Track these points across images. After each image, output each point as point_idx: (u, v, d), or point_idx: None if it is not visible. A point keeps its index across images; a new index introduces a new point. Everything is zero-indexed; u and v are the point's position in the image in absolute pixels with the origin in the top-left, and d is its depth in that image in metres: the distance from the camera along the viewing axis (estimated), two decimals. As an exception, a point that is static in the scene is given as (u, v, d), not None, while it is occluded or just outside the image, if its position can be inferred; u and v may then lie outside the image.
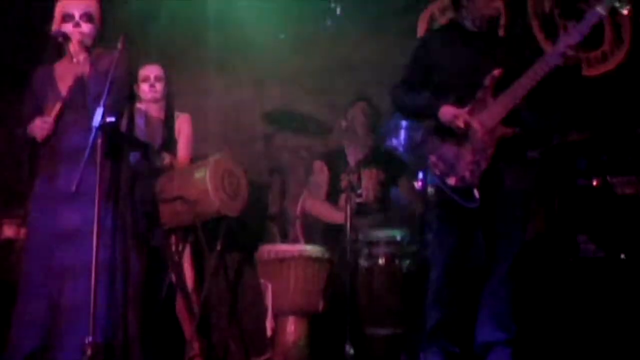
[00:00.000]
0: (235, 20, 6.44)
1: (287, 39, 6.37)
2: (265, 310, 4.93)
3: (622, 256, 4.75)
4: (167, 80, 5.26)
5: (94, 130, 3.72)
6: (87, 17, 4.15)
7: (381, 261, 4.94)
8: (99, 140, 3.73)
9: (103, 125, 3.73)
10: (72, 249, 3.94)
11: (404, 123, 5.82)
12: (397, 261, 4.94)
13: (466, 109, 4.01)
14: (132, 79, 4.77)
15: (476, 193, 3.93)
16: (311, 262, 4.96)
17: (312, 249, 5.02)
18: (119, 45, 3.92)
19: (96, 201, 3.69)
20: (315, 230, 5.51)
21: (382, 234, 5.05)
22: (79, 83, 4.06)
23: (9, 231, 5.28)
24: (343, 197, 5.31)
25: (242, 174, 4.96)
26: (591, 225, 5.18)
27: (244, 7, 6.45)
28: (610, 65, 6.20)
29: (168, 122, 5.14)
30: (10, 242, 5.27)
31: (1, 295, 4.21)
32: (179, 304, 5.01)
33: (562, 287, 4.82)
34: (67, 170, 4.00)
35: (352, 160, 5.47)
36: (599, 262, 4.96)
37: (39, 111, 4.12)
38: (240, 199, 4.90)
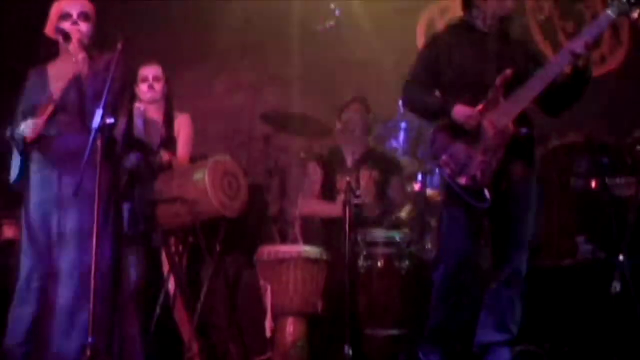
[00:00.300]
0: (235, 21, 6.45)
1: (287, 39, 6.39)
2: (265, 311, 4.93)
3: (621, 257, 4.74)
4: (166, 80, 5.26)
5: (93, 131, 3.72)
6: (85, 16, 4.16)
7: (380, 262, 4.95)
8: (98, 142, 3.73)
9: (102, 127, 3.72)
10: (67, 252, 3.94)
11: (403, 124, 5.83)
12: (396, 262, 4.94)
13: (477, 108, 4.01)
14: (131, 80, 4.79)
15: (487, 193, 3.92)
16: (310, 263, 4.96)
17: (311, 250, 5.02)
18: (119, 46, 3.93)
19: (96, 203, 3.69)
20: (315, 231, 5.51)
21: (381, 234, 5.05)
22: (75, 83, 4.06)
23: (9, 232, 5.29)
24: (340, 198, 5.32)
25: (241, 174, 4.96)
26: (589, 227, 5.19)
27: (244, 8, 6.46)
28: (609, 67, 6.21)
29: (167, 122, 5.14)
30: (10, 242, 5.28)
31: (2, 296, 4.20)
32: (178, 304, 5.01)
33: (561, 289, 4.82)
34: (61, 172, 4.01)
35: (349, 160, 5.47)
36: (598, 264, 4.97)
37: (31, 113, 4.11)
38: (240, 199, 4.89)
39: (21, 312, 3.95)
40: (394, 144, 5.82)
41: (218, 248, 4.88)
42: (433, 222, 5.38)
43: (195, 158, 5.20)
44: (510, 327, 4.03)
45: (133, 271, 4.80)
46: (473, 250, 4.14)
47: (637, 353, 4.39)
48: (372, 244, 5.01)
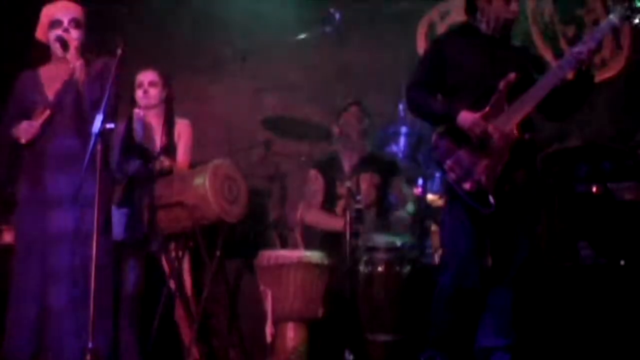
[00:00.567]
0: (235, 26, 6.45)
1: (290, 43, 6.38)
2: (265, 316, 4.91)
3: (622, 262, 4.74)
4: (165, 84, 5.24)
5: (93, 136, 3.72)
6: (76, 22, 4.17)
7: (381, 267, 4.93)
8: (99, 147, 3.73)
9: (102, 132, 3.73)
10: (61, 254, 3.94)
11: (403, 129, 5.82)
12: (397, 267, 4.93)
13: (481, 113, 4.01)
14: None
15: (491, 198, 3.92)
16: (311, 268, 4.95)
17: (311, 255, 5.01)
18: (118, 52, 3.93)
19: (96, 207, 3.70)
20: (315, 236, 5.50)
21: (381, 240, 5.04)
22: (71, 87, 4.07)
23: (8, 237, 5.28)
24: (340, 204, 5.32)
25: (242, 179, 4.96)
26: (591, 232, 5.18)
27: (244, 13, 6.46)
28: (610, 72, 6.21)
29: (167, 127, 5.14)
30: (10, 247, 5.26)
31: (2, 301, 4.20)
32: (178, 309, 5.00)
33: (562, 294, 4.81)
34: (54, 175, 4.02)
35: (347, 166, 5.46)
36: (599, 269, 4.96)
37: (24, 115, 4.12)
38: (240, 204, 4.89)
39: (21, 315, 3.95)
40: (394, 148, 5.80)
41: (218, 253, 4.88)
42: (433, 227, 5.38)
43: (196, 164, 5.19)
44: (511, 332, 4.02)
45: (132, 276, 4.79)
46: (478, 255, 4.13)
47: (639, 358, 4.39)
48: (373, 249, 4.99)
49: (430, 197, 5.44)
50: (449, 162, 4.04)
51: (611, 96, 6.05)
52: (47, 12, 4.22)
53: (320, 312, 4.95)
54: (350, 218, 4.72)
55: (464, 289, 4.07)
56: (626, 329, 4.49)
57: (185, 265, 5.12)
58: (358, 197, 4.93)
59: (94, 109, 3.80)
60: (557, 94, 3.99)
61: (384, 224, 5.35)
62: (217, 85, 6.53)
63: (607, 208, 5.14)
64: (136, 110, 5.03)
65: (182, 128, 5.25)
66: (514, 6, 4.15)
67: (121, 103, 4.38)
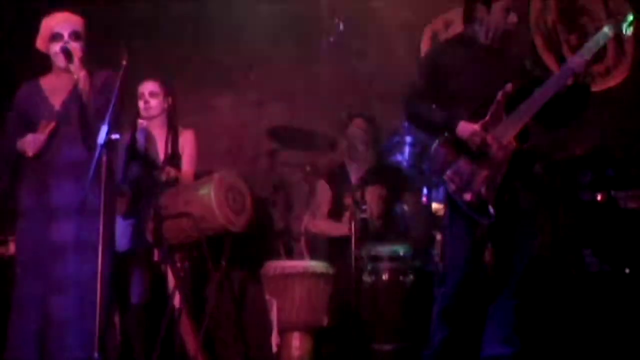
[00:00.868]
0: (240, 36, 6.46)
1: (295, 54, 6.40)
2: (271, 326, 4.92)
3: (627, 270, 4.74)
4: (166, 94, 5.25)
5: (99, 147, 3.74)
6: (76, 35, 4.19)
7: (385, 277, 4.94)
8: (104, 157, 3.75)
9: (108, 142, 3.75)
10: (64, 264, 3.95)
11: (408, 139, 5.82)
12: (400, 277, 4.93)
13: (480, 123, 4.02)
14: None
15: (491, 209, 3.93)
16: (316, 278, 4.96)
17: (316, 265, 5.02)
18: (123, 62, 3.95)
19: (101, 217, 3.71)
20: (320, 246, 5.51)
21: (385, 249, 5.05)
22: (75, 97, 4.09)
23: (14, 248, 5.30)
24: (347, 214, 5.32)
25: (247, 190, 4.97)
26: (596, 240, 5.18)
27: (249, 23, 6.48)
28: (614, 80, 6.20)
29: (171, 137, 5.15)
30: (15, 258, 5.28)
31: (7, 311, 4.21)
32: (184, 320, 5.00)
33: (567, 301, 4.81)
34: (58, 184, 4.03)
35: (354, 177, 5.47)
36: (604, 276, 4.95)
37: (27, 127, 4.13)
38: (245, 215, 4.90)
39: (23, 326, 3.95)
40: (399, 158, 5.81)
41: (224, 263, 4.88)
42: (438, 236, 5.38)
43: (201, 174, 5.20)
44: (516, 340, 4.02)
45: (137, 286, 4.81)
46: (476, 266, 4.14)
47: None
48: (377, 258, 5.00)
49: (434, 206, 5.43)
50: (449, 173, 4.05)
51: (615, 104, 6.05)
52: (48, 25, 4.24)
53: (325, 322, 4.95)
54: (356, 228, 4.72)
55: (461, 302, 4.09)
56: (631, 337, 4.48)
57: (190, 276, 5.12)
58: (364, 207, 4.94)
59: (98, 120, 3.81)
60: (554, 105, 4.01)
61: (390, 235, 5.35)
62: (222, 96, 6.54)
63: (612, 216, 5.13)
64: (139, 121, 5.04)
65: (186, 138, 5.26)
66: (513, 17, 4.17)
67: (127, 114, 4.40)
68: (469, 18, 4.26)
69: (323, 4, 6.35)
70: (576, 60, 4.00)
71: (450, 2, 6.03)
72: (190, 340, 4.97)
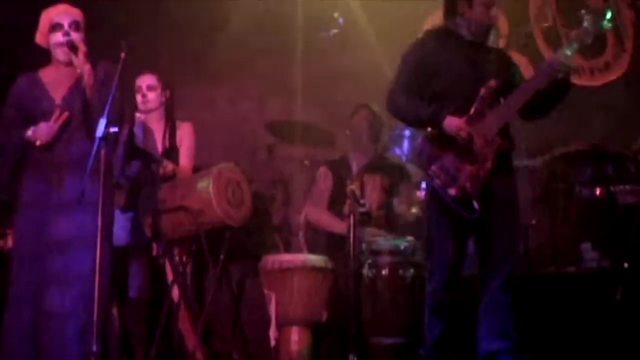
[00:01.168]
0: (238, 31, 6.46)
1: (293, 48, 6.40)
2: (269, 320, 4.92)
3: (626, 265, 4.74)
4: (164, 88, 5.24)
5: (97, 140, 3.73)
6: (76, 25, 4.17)
7: (385, 271, 4.93)
8: (103, 151, 3.73)
9: (106, 136, 3.73)
10: (62, 258, 3.94)
11: (407, 132, 5.83)
12: (400, 271, 4.93)
13: (464, 119, 4.04)
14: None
15: (476, 204, 3.95)
16: (315, 272, 4.95)
17: (315, 259, 5.01)
18: (122, 55, 3.93)
19: (99, 211, 3.70)
20: (319, 240, 5.51)
21: (385, 243, 5.04)
22: (78, 93, 4.07)
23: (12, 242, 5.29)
24: (348, 203, 5.31)
25: (246, 184, 4.96)
26: (594, 235, 5.18)
27: (247, 18, 6.47)
28: (613, 74, 6.21)
29: (169, 131, 5.14)
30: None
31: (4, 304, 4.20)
32: (182, 314, 5.00)
33: (566, 297, 4.81)
34: (62, 179, 4.01)
35: (355, 166, 5.47)
36: (603, 272, 4.96)
37: (27, 120, 4.11)
38: (244, 209, 4.89)
39: (19, 320, 3.94)
40: (397, 152, 5.82)
41: (222, 257, 4.87)
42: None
43: (200, 168, 5.20)
44: (512, 333, 4.02)
45: (136, 281, 4.80)
46: (461, 259, 4.17)
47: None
48: (377, 252, 5.00)
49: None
50: (434, 168, 4.06)
51: (614, 99, 6.05)
52: (47, 16, 4.21)
53: (324, 316, 4.95)
54: (354, 222, 4.72)
55: (450, 296, 4.12)
56: (630, 332, 4.48)
57: (188, 270, 5.11)
58: (362, 201, 4.93)
59: (101, 114, 3.79)
60: (535, 98, 4.04)
61: (390, 226, 5.35)
62: (220, 91, 6.54)
63: (611, 211, 5.14)
64: (137, 115, 5.03)
65: (185, 131, 5.25)
66: (494, 12, 4.21)
67: (129, 108, 4.39)
68: (450, 12, 4.28)
69: (324, -1, 6.37)
70: (557, 59, 4.04)
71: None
72: (189, 334, 4.97)
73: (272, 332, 4.87)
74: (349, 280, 4.69)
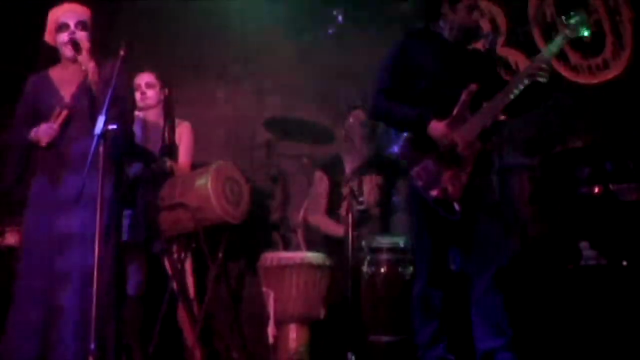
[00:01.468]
0: (237, 29, 6.45)
1: (293, 45, 6.39)
2: (267, 317, 4.92)
3: (624, 263, 4.74)
4: (163, 86, 5.25)
5: (95, 137, 3.73)
6: (82, 25, 4.18)
7: (383, 268, 4.93)
8: (101, 148, 3.74)
9: (105, 133, 3.73)
10: (68, 255, 3.94)
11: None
12: (399, 268, 4.93)
13: (445, 122, 4.05)
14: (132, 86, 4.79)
15: (457, 206, 3.97)
16: (313, 269, 4.96)
17: (314, 256, 5.02)
18: (121, 53, 3.94)
19: (98, 207, 3.70)
20: (317, 237, 5.50)
21: (384, 240, 5.04)
22: (85, 90, 4.08)
23: (11, 238, 5.29)
24: (344, 205, 5.31)
25: (244, 181, 4.97)
26: (593, 233, 5.18)
27: (247, 14, 6.46)
28: (612, 72, 6.20)
29: (168, 128, 5.14)
30: (12, 249, 5.28)
31: (3, 302, 4.20)
32: (181, 311, 5.01)
33: (565, 295, 4.81)
34: (69, 177, 4.01)
35: (348, 168, 5.46)
36: (601, 270, 4.95)
37: (37, 118, 4.13)
38: (242, 206, 4.90)
39: (25, 317, 3.94)
40: (395, 150, 5.80)
41: (221, 254, 4.88)
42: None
43: (198, 165, 5.20)
44: (506, 330, 4.04)
45: (135, 277, 4.80)
46: (444, 256, 4.24)
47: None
48: (376, 249, 5.00)
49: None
50: (416, 169, 4.09)
51: (613, 97, 6.04)
52: (54, 16, 4.23)
53: (322, 313, 4.95)
54: (352, 220, 4.72)
55: (437, 293, 4.16)
56: (628, 330, 4.48)
57: (188, 267, 5.12)
58: (360, 199, 4.93)
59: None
60: (516, 101, 4.08)
61: (388, 224, 5.35)
62: (219, 87, 6.53)
63: (609, 209, 5.14)
64: (136, 113, 5.04)
65: (183, 130, 5.27)
66: (475, 15, 4.26)
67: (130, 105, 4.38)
68: (432, 14, 4.29)
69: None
70: (535, 65, 4.07)
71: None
72: (187, 331, 4.98)
73: (271, 330, 4.87)
74: (347, 278, 4.69)
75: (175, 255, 5.02)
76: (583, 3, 6.18)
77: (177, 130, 5.25)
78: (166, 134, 5.10)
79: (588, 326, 4.61)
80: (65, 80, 4.19)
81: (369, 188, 5.36)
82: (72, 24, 4.17)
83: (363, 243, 4.98)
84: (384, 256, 4.96)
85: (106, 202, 3.85)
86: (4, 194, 4.56)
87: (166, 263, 5.03)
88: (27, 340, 3.89)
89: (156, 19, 6.50)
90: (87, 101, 4.08)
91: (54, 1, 4.30)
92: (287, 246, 5.63)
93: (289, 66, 6.31)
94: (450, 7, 4.22)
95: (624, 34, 6.12)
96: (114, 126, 3.79)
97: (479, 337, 4.08)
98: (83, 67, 4.07)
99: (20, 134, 4.15)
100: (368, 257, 4.95)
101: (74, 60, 4.14)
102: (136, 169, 4.84)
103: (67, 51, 4.17)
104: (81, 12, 4.23)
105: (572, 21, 4.11)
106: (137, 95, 5.18)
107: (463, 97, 4.06)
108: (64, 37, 4.17)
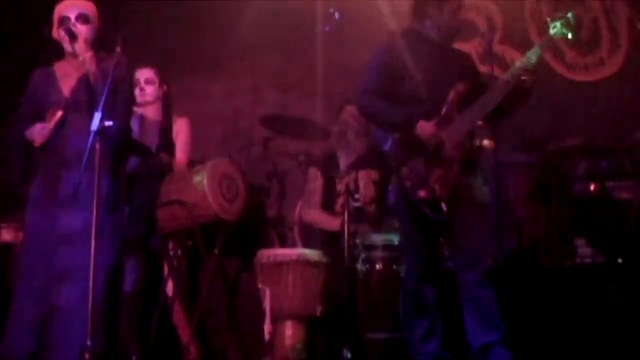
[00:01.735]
0: (234, 25, 6.45)
1: (286, 42, 6.39)
2: (264, 314, 4.92)
3: (620, 261, 4.75)
4: (162, 82, 5.25)
5: (92, 134, 3.72)
6: (83, 18, 4.15)
7: (379, 265, 4.94)
8: (97, 145, 3.72)
9: (101, 130, 3.72)
10: (69, 252, 3.94)
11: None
12: (394, 265, 4.94)
13: (434, 122, 4.07)
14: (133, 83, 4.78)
15: (444, 206, 3.99)
16: (309, 266, 4.95)
17: (310, 253, 5.01)
18: (117, 49, 3.93)
19: (94, 205, 3.69)
20: (314, 234, 5.50)
21: (379, 238, 5.05)
22: (84, 83, 4.06)
23: (7, 235, 5.29)
24: (339, 201, 5.31)
25: (241, 178, 4.96)
26: (589, 230, 5.19)
27: (243, 11, 6.47)
28: (608, 70, 6.22)
29: (166, 125, 5.14)
30: (7, 246, 5.27)
31: (3, 297, 4.20)
32: (177, 308, 5.00)
33: (560, 292, 4.82)
34: (68, 174, 4.00)
35: (342, 164, 5.46)
36: (597, 267, 4.97)
37: (38, 113, 4.12)
38: (239, 203, 4.89)
39: (24, 313, 3.94)
40: (385, 149, 5.80)
41: (217, 251, 4.88)
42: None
43: (195, 162, 5.20)
44: (501, 325, 4.05)
45: (131, 274, 4.80)
46: (434, 253, 4.28)
47: (637, 356, 4.39)
48: (371, 247, 5.00)
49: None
50: (404, 170, 4.10)
51: (609, 95, 6.06)
52: (57, 10, 4.21)
53: (318, 310, 4.95)
54: (348, 216, 4.72)
55: (428, 290, 4.18)
56: (624, 327, 4.50)
57: (183, 264, 5.12)
58: (356, 195, 4.93)
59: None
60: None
61: (383, 220, 5.35)
62: (216, 84, 6.53)
63: (605, 206, 5.15)
64: (134, 108, 5.03)
65: (181, 126, 5.26)
66: (461, 16, 4.30)
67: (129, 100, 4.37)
68: (419, 14, 4.29)
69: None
70: (522, 65, 4.08)
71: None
72: (183, 328, 4.98)
73: (267, 327, 4.87)
74: (343, 275, 4.69)
75: (172, 252, 5.01)
76: (579, 1, 6.21)
77: (175, 127, 5.24)
78: (163, 131, 5.10)
79: (584, 323, 4.62)
80: (66, 74, 4.18)
81: (365, 184, 5.35)
82: (72, 17, 4.15)
83: (358, 240, 4.98)
84: (379, 253, 4.97)
85: (104, 199, 3.83)
86: (5, 190, 4.55)
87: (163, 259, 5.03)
88: (24, 338, 3.89)
89: (152, 15, 6.50)
90: (86, 96, 4.06)
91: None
92: (283, 243, 5.62)
93: (286, 63, 6.31)
94: (437, 7, 4.22)
95: (619, 32, 6.14)
96: (110, 123, 3.77)
97: (472, 333, 4.09)
98: (80, 58, 4.06)
99: (20, 132, 4.13)
100: (363, 255, 4.95)
101: (74, 54, 4.12)
102: (132, 164, 4.83)
103: (66, 43, 4.15)
104: (83, 6, 4.20)
105: (553, 31, 4.11)
106: (136, 91, 5.17)
107: (451, 97, 4.07)
108: (63, 29, 4.15)
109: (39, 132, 4.04)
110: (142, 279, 4.86)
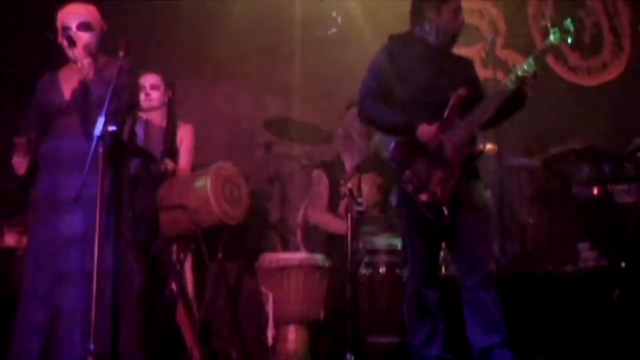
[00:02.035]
0: (237, 29, 6.46)
1: (288, 46, 6.39)
2: (266, 318, 4.93)
3: (623, 264, 4.75)
4: (167, 87, 5.25)
5: (95, 139, 3.72)
6: (85, 26, 4.15)
7: (382, 270, 4.95)
8: (100, 149, 3.73)
9: (104, 134, 3.73)
10: (72, 256, 3.94)
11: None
12: (397, 269, 4.94)
13: (437, 126, 4.06)
14: (136, 87, 4.78)
15: (445, 210, 3.99)
16: (312, 270, 4.96)
17: (313, 258, 5.02)
18: (121, 53, 3.94)
19: (97, 209, 3.70)
20: (316, 238, 5.50)
21: (382, 242, 5.05)
22: (82, 88, 4.07)
23: (10, 239, 5.28)
24: (343, 203, 5.30)
25: (243, 182, 4.96)
26: (591, 234, 5.19)
27: (246, 16, 6.47)
28: (610, 74, 6.22)
29: (170, 130, 5.15)
30: (11, 250, 5.27)
31: (2, 303, 4.20)
32: (180, 312, 5.00)
33: (563, 296, 4.82)
34: (68, 177, 4.00)
35: (348, 166, 5.46)
36: (600, 271, 4.96)
37: (42, 118, 4.12)
38: (241, 207, 4.89)
39: (30, 317, 3.94)
40: (387, 154, 5.80)
41: (220, 255, 4.88)
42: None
43: (197, 166, 5.20)
44: (502, 328, 4.04)
45: (134, 278, 4.79)
46: (436, 258, 4.28)
47: (639, 360, 4.40)
48: (374, 251, 5.01)
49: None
50: (407, 173, 4.09)
51: (611, 99, 6.06)
52: (59, 17, 4.21)
53: (321, 315, 4.95)
54: (352, 221, 4.72)
55: (430, 294, 4.16)
56: (627, 331, 4.49)
57: (187, 268, 5.12)
58: (359, 200, 4.93)
59: (100, 109, 3.79)
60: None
61: (387, 224, 5.35)
62: (218, 88, 6.53)
63: (608, 210, 5.15)
64: (140, 114, 5.03)
65: (185, 132, 5.26)
66: (461, 19, 4.24)
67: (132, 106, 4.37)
68: (417, 18, 4.28)
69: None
70: (523, 71, 4.06)
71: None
72: (186, 332, 4.98)
73: (270, 331, 4.88)
74: (346, 279, 4.69)
75: (175, 256, 5.02)
76: (582, 4, 6.21)
77: (180, 132, 5.25)
78: (168, 136, 5.10)
79: (587, 327, 4.62)
80: (69, 79, 4.18)
81: (368, 188, 5.35)
82: (73, 26, 4.15)
83: (360, 245, 4.98)
84: (382, 258, 4.97)
85: (107, 203, 3.84)
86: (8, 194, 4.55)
87: (165, 264, 5.03)
88: (33, 341, 3.90)
89: (155, 19, 6.50)
90: (82, 99, 4.06)
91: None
92: (285, 247, 5.63)
93: (289, 67, 6.31)
94: (436, 10, 4.21)
95: (622, 36, 6.14)
96: (114, 127, 3.78)
97: (474, 336, 4.08)
98: (78, 64, 4.06)
99: (29, 135, 4.14)
100: (366, 259, 4.96)
101: (74, 59, 4.13)
102: (134, 167, 4.84)
103: (67, 50, 4.16)
104: (84, 13, 4.18)
105: (552, 37, 4.11)
106: (141, 96, 5.17)
107: (452, 101, 4.07)
108: (63, 37, 4.17)
109: (16, 165, 4.07)
110: (145, 284, 4.86)
